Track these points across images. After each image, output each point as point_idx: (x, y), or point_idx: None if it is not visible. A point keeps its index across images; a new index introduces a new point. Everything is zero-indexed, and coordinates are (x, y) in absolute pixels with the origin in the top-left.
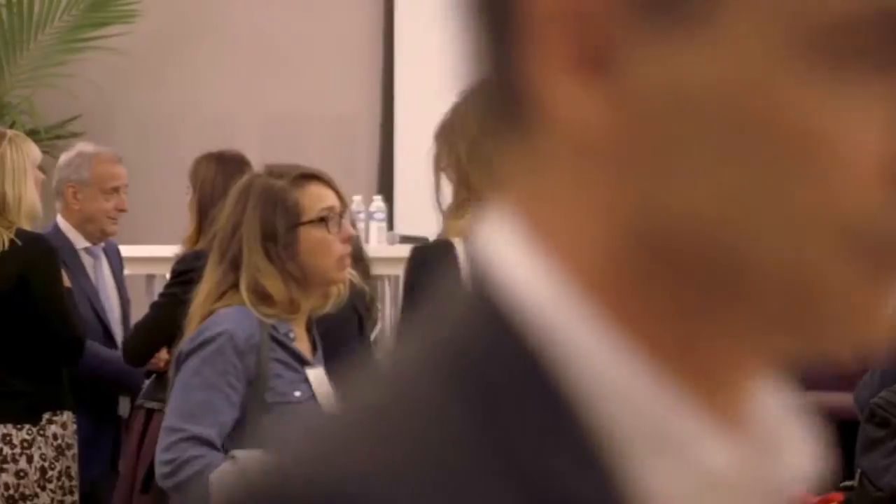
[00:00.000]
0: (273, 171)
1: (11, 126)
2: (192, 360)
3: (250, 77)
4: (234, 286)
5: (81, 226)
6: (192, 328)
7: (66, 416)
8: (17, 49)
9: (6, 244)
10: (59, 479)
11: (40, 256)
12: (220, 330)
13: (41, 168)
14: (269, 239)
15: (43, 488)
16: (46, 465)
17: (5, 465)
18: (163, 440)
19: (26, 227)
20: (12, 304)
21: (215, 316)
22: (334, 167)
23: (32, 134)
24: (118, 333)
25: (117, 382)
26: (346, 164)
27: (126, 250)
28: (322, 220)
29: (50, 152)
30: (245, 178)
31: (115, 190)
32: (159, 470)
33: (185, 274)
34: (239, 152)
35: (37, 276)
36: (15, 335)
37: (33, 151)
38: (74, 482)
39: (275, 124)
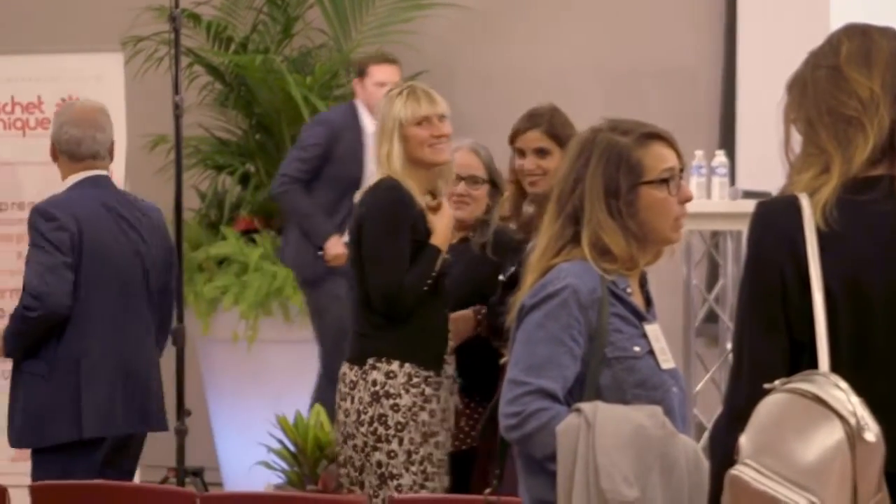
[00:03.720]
0: (617, 128)
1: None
2: (536, 314)
3: (590, 31)
4: (572, 241)
5: None
6: (530, 282)
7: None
8: (364, 7)
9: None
10: (420, 463)
11: (376, 204)
12: (563, 284)
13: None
14: (612, 195)
15: (406, 469)
16: (412, 448)
17: (378, 445)
18: (507, 393)
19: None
20: (357, 252)
21: (558, 270)
22: (675, 121)
23: None
24: None
25: None
26: (687, 118)
27: None
28: (663, 181)
29: None
30: (586, 133)
31: None
32: (504, 422)
33: None
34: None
35: (368, 222)
36: None
37: (409, 109)
38: (437, 469)
39: (614, 78)
